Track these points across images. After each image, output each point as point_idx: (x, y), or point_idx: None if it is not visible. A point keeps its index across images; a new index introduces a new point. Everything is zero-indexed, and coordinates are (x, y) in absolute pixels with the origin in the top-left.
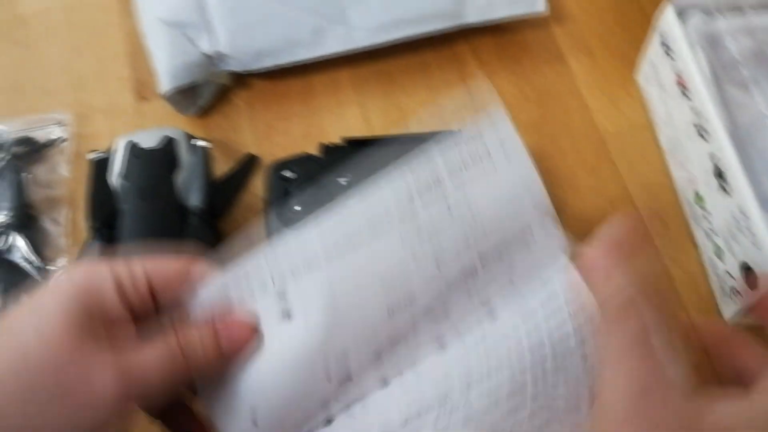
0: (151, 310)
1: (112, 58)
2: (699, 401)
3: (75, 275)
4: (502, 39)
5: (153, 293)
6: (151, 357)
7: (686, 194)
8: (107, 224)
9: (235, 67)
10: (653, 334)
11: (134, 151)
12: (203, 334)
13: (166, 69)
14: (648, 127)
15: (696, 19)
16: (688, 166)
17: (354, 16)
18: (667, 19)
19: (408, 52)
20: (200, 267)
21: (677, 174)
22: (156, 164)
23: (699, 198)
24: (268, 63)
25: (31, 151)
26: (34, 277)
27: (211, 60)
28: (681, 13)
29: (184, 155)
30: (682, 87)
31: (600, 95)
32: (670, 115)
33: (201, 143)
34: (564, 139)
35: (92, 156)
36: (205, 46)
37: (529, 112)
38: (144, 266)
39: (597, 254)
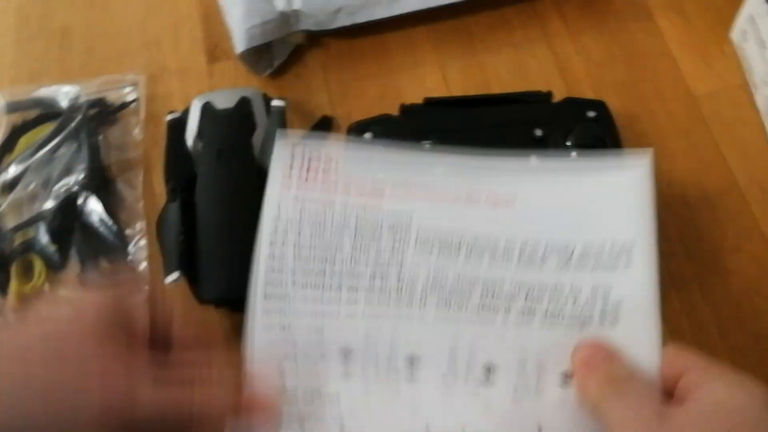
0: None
1: (185, 19)
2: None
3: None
4: None
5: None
6: (160, 397)
7: None
8: (185, 186)
9: (311, 26)
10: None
11: (209, 112)
12: (223, 401)
13: (242, 29)
14: (744, 88)
15: None
16: None
17: None
18: None
19: (488, 8)
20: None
21: None
22: (232, 125)
23: None
24: (345, 21)
25: (104, 112)
26: (111, 241)
27: (287, 19)
28: None
29: (259, 116)
30: None
31: (691, 55)
32: None
33: (277, 103)
34: (654, 101)
35: (169, 117)
36: (282, 4)
37: (616, 73)
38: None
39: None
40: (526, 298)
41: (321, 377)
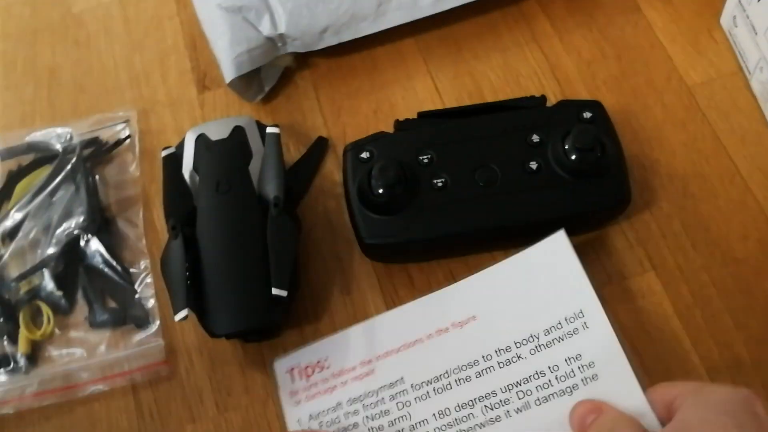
0: None
1: (172, 50)
2: None
3: None
4: None
5: None
6: None
7: None
8: (186, 221)
9: (298, 48)
10: None
11: (204, 143)
12: None
13: (229, 57)
14: (738, 74)
15: None
16: None
17: None
18: None
19: (473, 14)
20: None
21: None
22: (228, 155)
23: None
24: (332, 41)
25: (99, 151)
26: (117, 281)
27: (274, 43)
28: None
29: (255, 143)
30: None
31: (682, 44)
32: (764, 58)
33: (272, 130)
34: (648, 95)
35: (164, 153)
36: (267, 29)
37: (608, 69)
38: None
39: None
40: (518, 395)
41: None
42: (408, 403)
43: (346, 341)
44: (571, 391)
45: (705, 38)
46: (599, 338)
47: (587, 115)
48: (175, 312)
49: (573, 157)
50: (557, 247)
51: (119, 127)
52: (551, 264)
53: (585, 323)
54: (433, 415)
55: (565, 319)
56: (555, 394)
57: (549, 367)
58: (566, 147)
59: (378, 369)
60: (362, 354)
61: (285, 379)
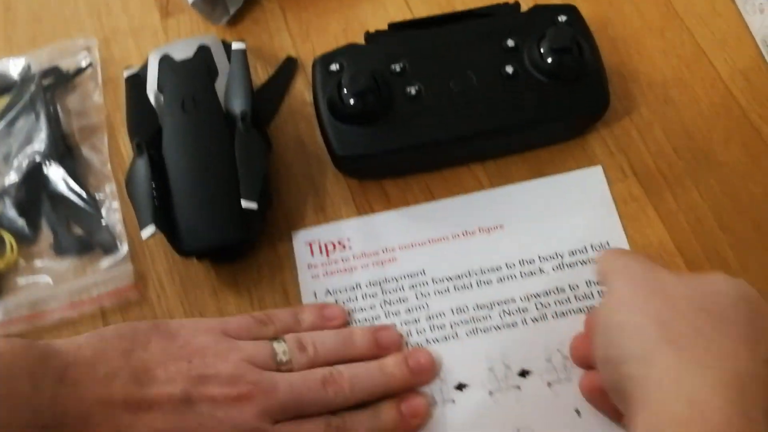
0: None
1: None
2: None
3: None
4: None
5: None
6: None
7: None
8: (151, 142)
9: None
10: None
11: (168, 63)
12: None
13: None
14: None
15: None
16: None
17: None
18: None
19: None
20: None
21: (754, 21)
22: (192, 74)
23: None
24: None
25: (60, 81)
26: (81, 206)
27: None
28: None
29: (220, 62)
30: None
31: None
32: None
33: (237, 45)
34: (624, 2)
35: (126, 73)
36: None
37: None
38: None
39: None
40: (536, 306)
41: None
42: (427, 294)
43: (370, 226)
44: (587, 310)
45: None
46: None
47: (563, 18)
48: (141, 228)
49: (549, 59)
50: (594, 180)
51: (80, 56)
52: (585, 193)
53: None
54: (451, 309)
55: (591, 246)
56: (572, 311)
57: (569, 285)
58: (542, 49)
59: (400, 258)
60: (386, 241)
61: (303, 252)
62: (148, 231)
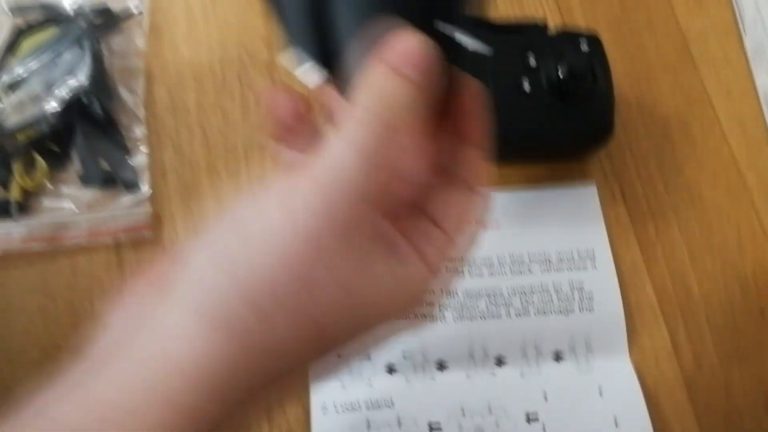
0: None
1: None
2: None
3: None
4: None
5: None
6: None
7: None
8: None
9: None
10: None
11: None
12: None
13: None
14: (733, 29)
15: None
16: None
17: None
18: None
19: None
20: None
21: (761, 80)
22: None
23: None
24: None
25: (109, 22)
26: (111, 144)
27: None
28: None
29: None
30: None
31: None
32: (760, 19)
33: None
34: (645, 36)
35: None
36: None
37: (608, 6)
38: None
39: None
40: (520, 299)
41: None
42: None
43: None
44: (567, 312)
45: None
46: (603, 279)
47: (584, 46)
48: (298, 64)
49: (564, 83)
50: (587, 196)
51: (132, 1)
52: (577, 206)
53: (594, 263)
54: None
55: (578, 252)
56: (553, 311)
57: (554, 287)
58: (559, 73)
59: None
60: None
61: None
62: (306, 69)
